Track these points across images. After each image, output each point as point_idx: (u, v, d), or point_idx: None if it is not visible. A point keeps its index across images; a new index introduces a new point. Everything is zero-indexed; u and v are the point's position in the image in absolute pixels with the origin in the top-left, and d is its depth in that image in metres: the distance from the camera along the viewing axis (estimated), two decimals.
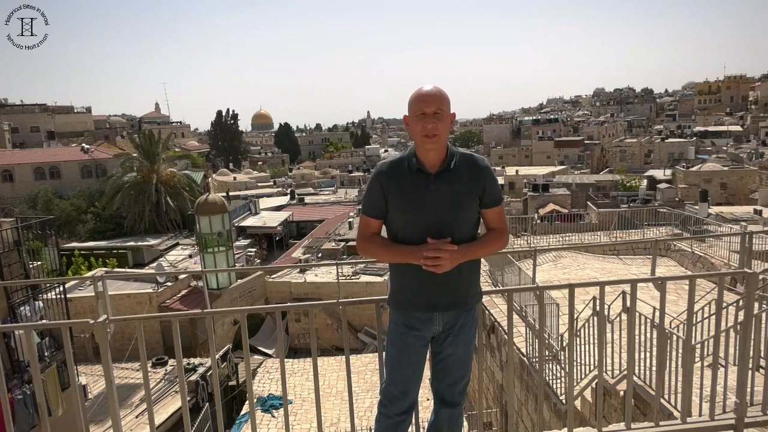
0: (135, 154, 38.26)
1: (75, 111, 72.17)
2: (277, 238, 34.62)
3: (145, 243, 31.80)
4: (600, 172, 57.57)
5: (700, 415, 4.14)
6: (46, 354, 10.80)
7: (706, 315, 6.17)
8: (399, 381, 2.66)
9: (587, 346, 6.99)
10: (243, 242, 30.48)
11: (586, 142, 75.27)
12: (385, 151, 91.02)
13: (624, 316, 6.15)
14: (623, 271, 13.47)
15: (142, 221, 34.72)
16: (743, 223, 19.03)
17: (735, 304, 5.56)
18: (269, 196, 49.00)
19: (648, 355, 5.83)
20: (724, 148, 61.69)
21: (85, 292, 19.27)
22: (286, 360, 13.01)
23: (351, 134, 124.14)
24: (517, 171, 54.23)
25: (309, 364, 15.48)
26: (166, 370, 16.02)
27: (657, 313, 4.17)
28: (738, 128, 75.62)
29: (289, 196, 47.14)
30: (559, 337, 8.01)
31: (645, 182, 41.44)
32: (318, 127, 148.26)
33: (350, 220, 32.08)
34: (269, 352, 19.96)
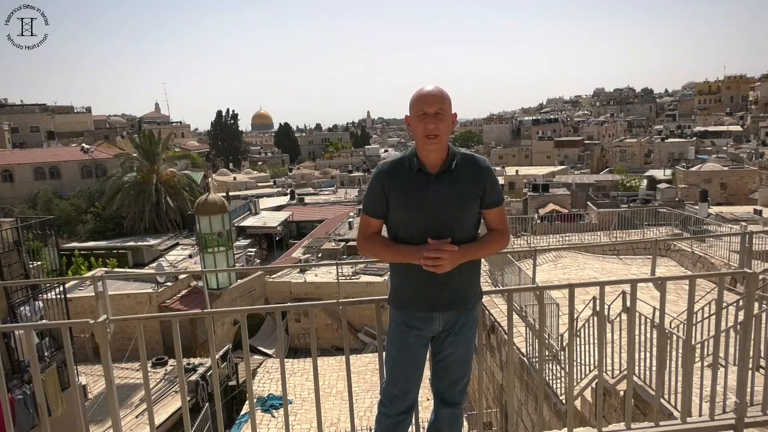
0: (135, 154, 38.25)
1: (75, 111, 72.19)
2: (277, 238, 34.61)
3: (145, 243, 31.80)
4: (600, 172, 57.57)
5: (700, 415, 4.14)
6: (46, 354, 10.80)
7: (706, 315, 6.17)
8: (399, 380, 2.66)
9: (587, 346, 6.99)
10: (243, 242, 30.48)
11: (586, 142, 75.30)
12: (385, 151, 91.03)
13: (624, 316, 6.15)
14: (623, 271, 13.47)
15: (142, 221, 34.71)
16: (743, 223, 19.03)
17: (735, 304, 5.56)
18: (269, 196, 48.99)
19: (648, 355, 5.83)
20: (724, 148, 61.68)
21: (85, 292, 19.27)
22: (286, 360, 13.03)
23: (351, 134, 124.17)
24: (517, 171, 54.24)
25: (309, 364, 15.48)
26: (166, 370, 16.02)
27: (657, 313, 4.17)
28: (738, 128, 75.61)
29: (289, 196, 47.14)
30: (559, 337, 8.01)
31: (645, 182, 41.44)
32: (318, 127, 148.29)
33: (350, 220, 32.08)
34: (269, 352, 19.95)
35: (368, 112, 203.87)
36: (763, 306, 5.34)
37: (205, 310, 3.48)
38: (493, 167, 2.70)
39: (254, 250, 29.86)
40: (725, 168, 43.04)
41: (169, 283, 20.33)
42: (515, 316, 9.12)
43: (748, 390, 3.15)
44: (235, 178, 61.60)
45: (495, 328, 10.15)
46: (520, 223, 21.16)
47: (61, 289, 11.78)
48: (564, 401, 6.99)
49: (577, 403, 6.92)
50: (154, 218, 35.29)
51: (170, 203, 35.60)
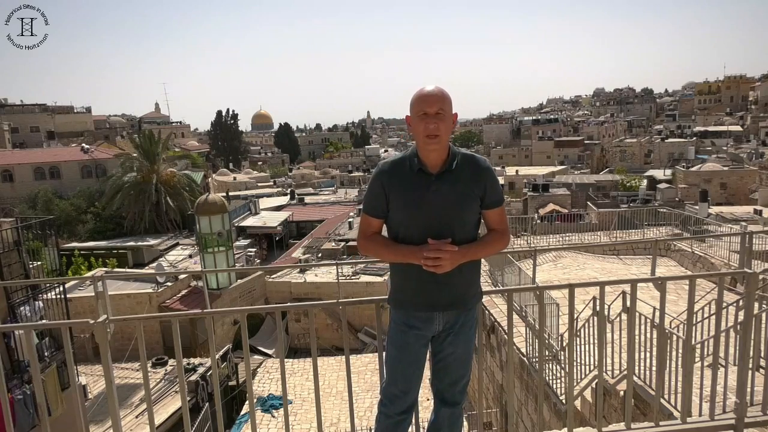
0: (135, 154, 38.25)
1: (75, 111, 72.17)
2: (277, 238, 34.61)
3: (145, 243, 31.80)
4: (600, 172, 57.57)
5: (700, 415, 4.13)
6: (46, 354, 10.79)
7: (706, 315, 6.17)
8: (399, 380, 2.66)
9: (587, 346, 6.99)
10: (243, 242, 30.48)
11: (586, 142, 75.31)
12: (385, 151, 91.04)
13: (624, 316, 6.15)
14: (623, 271, 13.47)
15: (142, 221, 34.71)
16: (743, 223, 19.02)
17: (735, 304, 5.56)
18: (269, 196, 49.00)
19: (648, 355, 5.83)
20: (724, 148, 61.68)
21: (85, 292, 19.27)
22: (286, 360, 13.03)
23: (351, 134, 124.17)
24: (517, 171, 54.24)
25: (309, 364, 15.48)
26: (166, 370, 16.02)
27: (657, 313, 4.17)
28: (738, 128, 75.60)
29: (289, 196, 47.13)
30: (559, 337, 8.01)
31: (645, 182, 41.44)
32: (318, 127, 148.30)
33: (350, 220, 32.08)
34: (269, 352, 19.95)
35: (368, 112, 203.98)
36: (763, 306, 5.34)
37: (205, 310, 3.49)
38: (493, 167, 2.70)
39: (254, 250, 29.86)
40: (725, 168, 43.04)
41: (169, 283, 20.33)
42: (515, 316, 9.12)
43: (748, 390, 3.15)
44: (235, 178, 61.60)
45: (495, 328, 10.15)
46: (520, 223, 21.16)
47: (61, 289, 11.78)
48: (564, 401, 6.99)
49: (577, 403, 6.92)
50: (154, 218, 35.29)
51: (170, 203, 35.60)
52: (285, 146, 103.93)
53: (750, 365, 3.30)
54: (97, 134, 63.93)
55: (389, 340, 2.68)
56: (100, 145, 51.19)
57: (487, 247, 2.59)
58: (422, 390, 2.92)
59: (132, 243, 31.86)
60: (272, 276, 22.93)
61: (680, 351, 5.01)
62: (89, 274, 22.36)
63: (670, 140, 69.80)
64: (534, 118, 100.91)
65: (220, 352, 15.61)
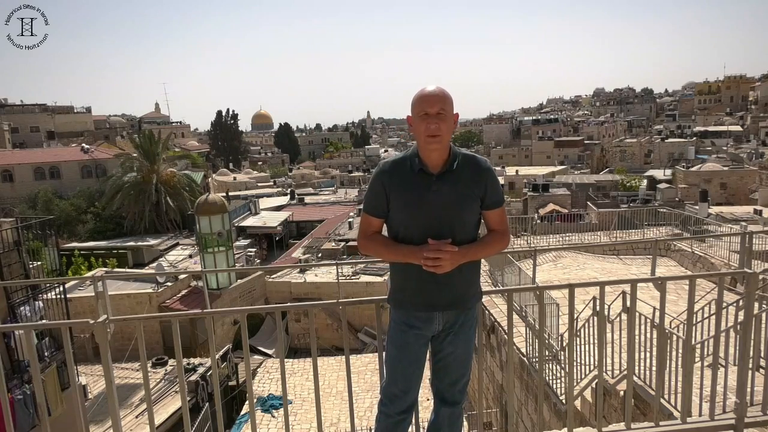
0: (135, 154, 38.25)
1: (75, 111, 72.18)
2: (277, 238, 34.61)
3: (145, 243, 31.79)
4: (600, 172, 57.59)
5: (700, 415, 4.14)
6: (46, 354, 10.80)
7: (706, 315, 6.17)
8: (399, 380, 2.67)
9: (587, 346, 6.99)
10: (243, 242, 30.48)
11: (586, 142, 75.35)
12: (385, 151, 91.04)
13: (624, 316, 6.15)
14: (623, 271, 13.47)
15: (142, 221, 34.71)
16: (743, 223, 19.02)
17: (735, 304, 5.57)
18: (269, 196, 48.99)
19: (648, 355, 5.83)
20: (724, 148, 61.68)
21: (85, 292, 19.27)
22: (286, 360, 13.03)
23: (351, 134, 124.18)
24: (517, 171, 54.26)
25: (309, 364, 15.48)
26: (166, 370, 16.02)
27: (657, 313, 4.17)
28: (738, 128, 75.62)
29: (289, 196, 47.13)
30: (559, 337, 8.01)
31: (645, 182, 41.46)
32: (318, 127, 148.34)
33: (350, 220, 32.08)
34: (269, 352, 19.95)
35: (368, 112, 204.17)
36: (763, 306, 5.34)
37: (205, 310, 3.49)
38: (494, 167, 2.70)
39: (254, 250, 29.86)
40: (725, 168, 43.04)
41: (169, 283, 20.33)
42: (515, 316, 9.12)
43: (748, 390, 3.15)
44: (235, 178, 61.61)
45: (495, 328, 10.15)
46: (520, 223, 21.17)
47: (61, 289, 11.78)
48: (564, 401, 6.99)
49: (577, 403, 6.92)
50: (154, 218, 35.29)
51: (170, 203, 35.60)
52: (285, 146, 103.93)
53: (750, 365, 3.30)
54: (97, 134, 63.92)
55: (389, 339, 2.68)
56: (100, 145, 51.19)
57: (487, 247, 2.59)
58: (422, 390, 2.92)
59: (132, 243, 31.85)
60: (272, 276, 22.93)
61: (680, 351, 5.01)
62: (89, 274, 22.37)
63: (670, 140, 69.80)
64: (534, 118, 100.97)
65: (220, 352, 15.61)
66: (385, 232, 2.62)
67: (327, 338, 20.19)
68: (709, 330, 5.90)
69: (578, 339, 6.90)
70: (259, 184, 59.26)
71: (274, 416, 13.23)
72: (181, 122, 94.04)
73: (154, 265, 26.63)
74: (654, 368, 5.61)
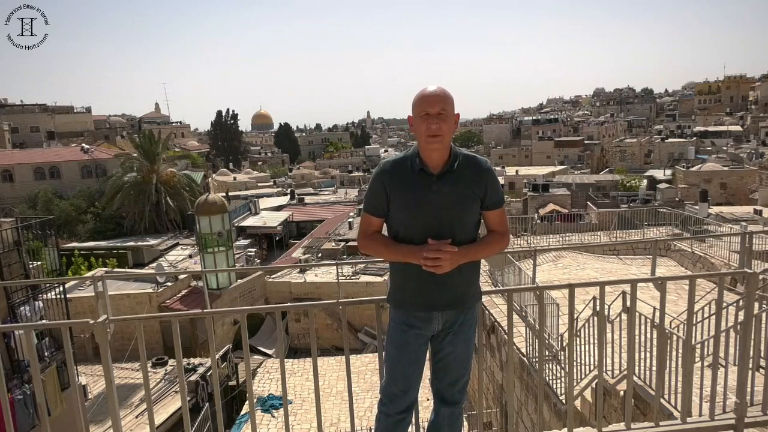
0: (135, 154, 38.27)
1: (75, 111, 72.20)
2: (277, 238, 34.61)
3: (145, 243, 31.79)
4: (600, 172, 57.59)
5: (700, 415, 4.14)
6: (46, 354, 10.80)
7: (706, 315, 6.17)
8: (399, 379, 2.67)
9: (587, 346, 6.99)
10: (243, 242, 30.48)
11: (586, 142, 75.35)
12: (385, 151, 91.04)
13: (624, 316, 6.15)
14: (623, 271, 13.48)
15: (142, 221, 34.72)
16: (743, 223, 19.00)
17: (735, 304, 5.57)
18: (269, 196, 48.98)
19: (648, 355, 5.83)
20: (724, 148, 61.69)
21: (85, 292, 19.27)
22: (286, 360, 13.03)
23: (351, 134, 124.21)
24: (517, 171, 54.26)
25: (309, 364, 15.48)
26: (166, 370, 16.02)
27: (657, 313, 4.17)
28: (738, 128, 75.63)
29: (289, 196, 47.13)
30: (559, 337, 8.01)
31: (645, 182, 41.46)
32: (318, 127, 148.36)
33: (350, 220, 32.08)
34: (269, 352, 19.95)
35: (368, 112, 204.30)
36: (763, 306, 5.34)
37: (205, 310, 3.49)
38: (494, 167, 2.70)
39: (254, 250, 29.85)
40: (725, 168, 43.04)
41: (169, 283, 20.33)
42: (515, 316, 9.12)
43: (748, 390, 3.15)
44: (235, 178, 61.60)
45: (495, 328, 10.16)
46: (520, 223, 21.17)
47: (61, 289, 11.78)
48: (564, 401, 6.99)
49: (577, 403, 6.92)
50: (154, 218, 35.30)
51: (170, 203, 35.60)
52: (285, 146, 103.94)
53: (750, 365, 3.30)
54: (97, 134, 63.93)
55: (389, 339, 2.69)
56: (100, 145, 51.21)
57: (487, 247, 2.59)
58: (422, 390, 2.92)
59: (132, 243, 31.85)
60: (272, 276, 22.93)
61: (680, 351, 5.01)
62: (89, 274, 22.37)
63: (670, 140, 69.82)
64: (534, 118, 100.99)
65: (220, 352, 15.61)
66: (385, 231, 2.63)
67: (327, 338, 20.19)
68: (709, 330, 5.90)
69: (578, 339, 6.91)
70: (259, 184, 59.25)
71: (274, 416, 13.23)
72: (181, 122, 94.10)
73: (154, 265, 26.63)
74: (654, 368, 5.61)
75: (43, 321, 10.65)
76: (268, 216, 36.65)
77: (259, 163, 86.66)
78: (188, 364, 15.76)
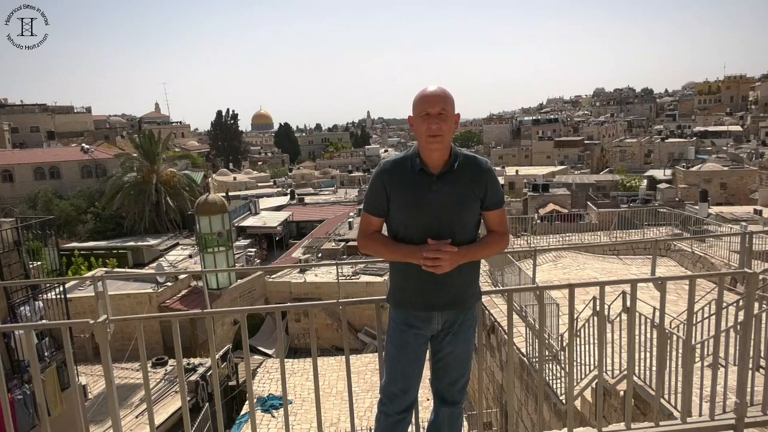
0: (135, 154, 38.25)
1: (75, 111, 72.17)
2: (277, 238, 34.61)
3: (145, 243, 31.78)
4: (600, 172, 57.58)
5: (700, 415, 4.14)
6: (46, 354, 10.80)
7: (706, 315, 6.17)
8: (399, 379, 2.67)
9: (587, 346, 6.99)
10: (243, 242, 30.47)
11: (586, 142, 75.34)
12: (385, 151, 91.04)
13: (624, 316, 6.15)
14: (623, 271, 13.47)
15: (142, 221, 34.71)
16: (743, 223, 19.00)
17: (735, 304, 5.57)
18: (269, 196, 48.97)
19: (648, 355, 5.83)
20: (724, 148, 61.68)
21: (85, 292, 19.27)
22: (286, 360, 13.03)
23: (351, 134, 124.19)
24: (517, 171, 54.24)
25: (309, 364, 15.48)
26: (166, 370, 16.02)
27: (657, 313, 4.17)
28: (738, 128, 75.62)
29: (289, 196, 47.12)
30: (559, 337, 8.01)
31: (645, 182, 41.45)
32: (318, 127, 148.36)
33: (350, 220, 32.07)
34: (269, 352, 19.95)
35: (368, 112, 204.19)
36: (763, 306, 5.34)
37: (205, 310, 3.49)
38: (494, 167, 2.70)
39: (254, 250, 29.84)
40: (725, 168, 43.03)
41: (169, 283, 20.33)
42: (515, 316, 9.12)
43: (748, 390, 3.15)
44: (235, 178, 61.58)
45: (495, 328, 10.15)
46: (520, 223, 21.16)
47: (61, 289, 11.78)
48: (564, 401, 6.98)
49: (577, 403, 6.92)
50: (154, 218, 35.29)
51: (170, 203, 35.59)
52: (285, 146, 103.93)
53: (750, 365, 3.30)
54: (97, 134, 63.92)
55: (389, 339, 2.68)
56: (100, 145, 51.20)
57: (487, 248, 2.59)
58: (422, 390, 2.92)
59: (132, 243, 31.84)
60: (272, 276, 22.93)
61: (680, 351, 5.01)
62: (89, 274, 22.37)
63: (670, 140, 69.80)
64: (534, 118, 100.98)
65: (220, 352, 15.61)
66: (385, 231, 2.62)
67: (327, 338, 20.19)
68: (709, 330, 5.90)
69: (578, 339, 6.90)
70: (259, 184, 59.23)
71: (274, 416, 13.23)
72: (181, 122, 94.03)
73: (154, 265, 26.62)
74: (654, 368, 5.61)
75: (43, 321, 10.65)
76: (268, 216, 36.64)
77: (259, 163, 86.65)
78: (188, 364, 15.76)
